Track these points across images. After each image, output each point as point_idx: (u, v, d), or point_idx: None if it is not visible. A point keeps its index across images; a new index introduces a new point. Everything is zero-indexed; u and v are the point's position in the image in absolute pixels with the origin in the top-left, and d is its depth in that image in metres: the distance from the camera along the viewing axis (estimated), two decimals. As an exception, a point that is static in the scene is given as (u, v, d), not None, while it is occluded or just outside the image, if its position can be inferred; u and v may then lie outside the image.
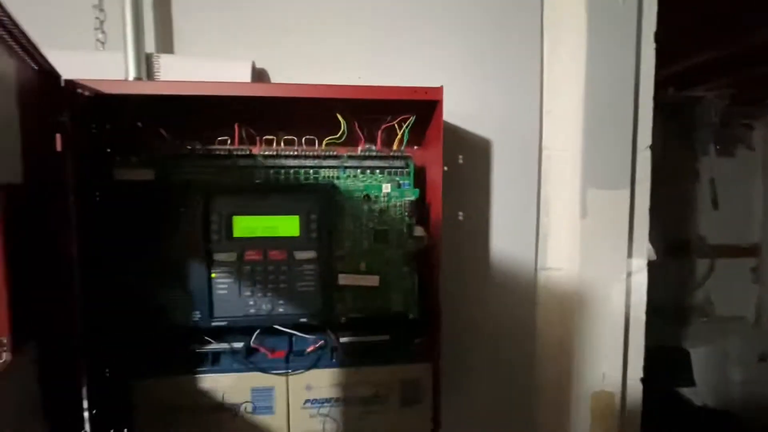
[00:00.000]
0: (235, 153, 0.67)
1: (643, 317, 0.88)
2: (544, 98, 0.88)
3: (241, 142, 0.68)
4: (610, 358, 0.88)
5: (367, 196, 0.70)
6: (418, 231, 0.71)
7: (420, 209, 0.72)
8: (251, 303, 0.65)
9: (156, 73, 0.71)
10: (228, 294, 0.64)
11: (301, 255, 0.66)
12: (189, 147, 0.66)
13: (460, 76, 0.85)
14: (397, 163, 0.71)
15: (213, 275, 0.64)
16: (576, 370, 0.89)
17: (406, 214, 0.70)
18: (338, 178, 0.70)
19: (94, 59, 0.69)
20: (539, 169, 0.89)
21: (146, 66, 0.70)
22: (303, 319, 0.66)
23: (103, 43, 0.73)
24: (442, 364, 0.69)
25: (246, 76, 0.73)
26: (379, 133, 0.70)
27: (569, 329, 0.90)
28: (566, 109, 0.88)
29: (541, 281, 0.92)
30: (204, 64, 0.72)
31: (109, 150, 0.65)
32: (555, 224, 0.91)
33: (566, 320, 0.91)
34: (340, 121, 0.67)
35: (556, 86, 0.88)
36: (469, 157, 0.86)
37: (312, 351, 0.67)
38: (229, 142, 0.68)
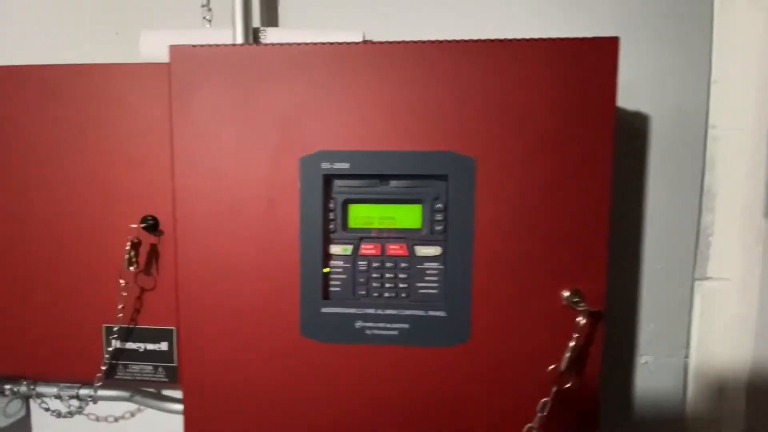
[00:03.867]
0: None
1: None
2: (713, 61, 0.70)
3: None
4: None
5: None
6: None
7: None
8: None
9: (263, 48, 0.65)
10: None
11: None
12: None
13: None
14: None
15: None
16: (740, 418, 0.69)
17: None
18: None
19: (202, 37, 0.65)
20: (704, 153, 0.71)
21: (254, 41, 0.65)
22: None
23: (209, 21, 0.69)
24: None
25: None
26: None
27: (737, 362, 0.70)
28: (745, 74, 0.69)
29: (698, 295, 0.73)
30: (311, 35, 0.64)
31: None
32: (722, 223, 0.72)
33: (731, 349, 0.71)
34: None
35: (730, 45, 0.69)
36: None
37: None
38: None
